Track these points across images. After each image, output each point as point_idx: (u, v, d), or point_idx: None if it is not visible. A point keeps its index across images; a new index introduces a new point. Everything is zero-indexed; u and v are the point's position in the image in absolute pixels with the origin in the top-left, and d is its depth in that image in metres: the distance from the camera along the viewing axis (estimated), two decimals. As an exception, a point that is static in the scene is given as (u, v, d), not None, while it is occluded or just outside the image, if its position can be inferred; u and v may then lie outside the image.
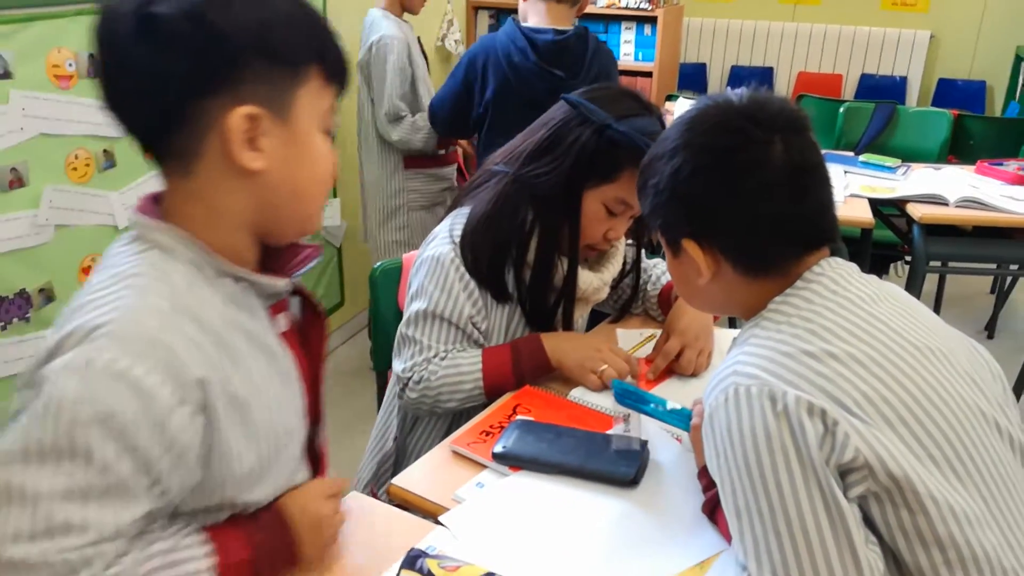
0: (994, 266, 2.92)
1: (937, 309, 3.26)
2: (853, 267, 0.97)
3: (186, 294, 0.81)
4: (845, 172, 2.65)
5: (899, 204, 2.44)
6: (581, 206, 1.32)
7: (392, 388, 1.46)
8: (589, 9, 3.81)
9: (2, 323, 1.88)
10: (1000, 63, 5.31)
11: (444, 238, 1.35)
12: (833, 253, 0.97)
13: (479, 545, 0.99)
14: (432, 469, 1.17)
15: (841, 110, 3.60)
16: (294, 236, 0.91)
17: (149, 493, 0.78)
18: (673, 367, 1.40)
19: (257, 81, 0.79)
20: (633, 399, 1.20)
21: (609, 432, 1.20)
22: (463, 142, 2.86)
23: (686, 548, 1.01)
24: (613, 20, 3.81)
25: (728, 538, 0.98)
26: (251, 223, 0.86)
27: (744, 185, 0.91)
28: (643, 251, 1.55)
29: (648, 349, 1.47)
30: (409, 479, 1.14)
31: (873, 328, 0.90)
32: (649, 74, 3.83)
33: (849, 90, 5.51)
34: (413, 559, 0.91)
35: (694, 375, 1.40)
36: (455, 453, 1.18)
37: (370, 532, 1.02)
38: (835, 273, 0.94)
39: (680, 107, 3.21)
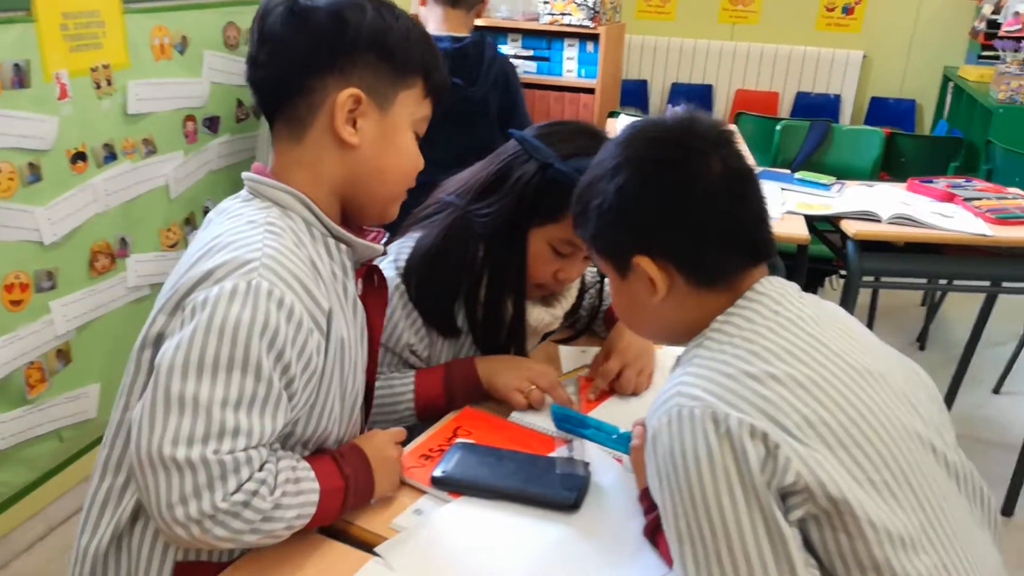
0: (925, 280, 3.00)
1: (871, 321, 3.34)
2: (793, 286, 0.98)
3: (307, 244, 0.97)
4: (782, 189, 2.70)
5: (833, 221, 2.49)
6: (527, 245, 1.30)
7: None
8: (532, 26, 3.83)
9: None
10: (929, 82, 5.51)
11: (388, 264, 1.33)
12: (771, 268, 0.98)
13: (417, 576, 0.96)
14: (369, 496, 1.13)
15: (777, 128, 3.67)
16: (374, 217, 1.07)
17: (289, 406, 0.91)
18: (613, 386, 1.40)
19: (367, 71, 0.98)
20: (572, 423, 1.19)
21: (551, 455, 1.19)
22: None
23: (628, 573, 0.99)
24: (556, 37, 3.83)
25: (669, 561, 0.97)
26: (342, 192, 1.02)
27: (690, 193, 0.92)
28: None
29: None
30: (345, 507, 1.10)
31: (814, 350, 0.90)
32: (592, 91, 3.86)
33: (785, 107, 5.65)
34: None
35: (634, 395, 1.39)
36: (393, 479, 1.15)
37: (302, 563, 0.98)
38: (776, 292, 0.95)
39: (622, 123, 3.24)
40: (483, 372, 1.32)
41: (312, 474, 0.96)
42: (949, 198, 2.59)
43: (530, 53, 3.88)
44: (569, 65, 3.85)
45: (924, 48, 5.46)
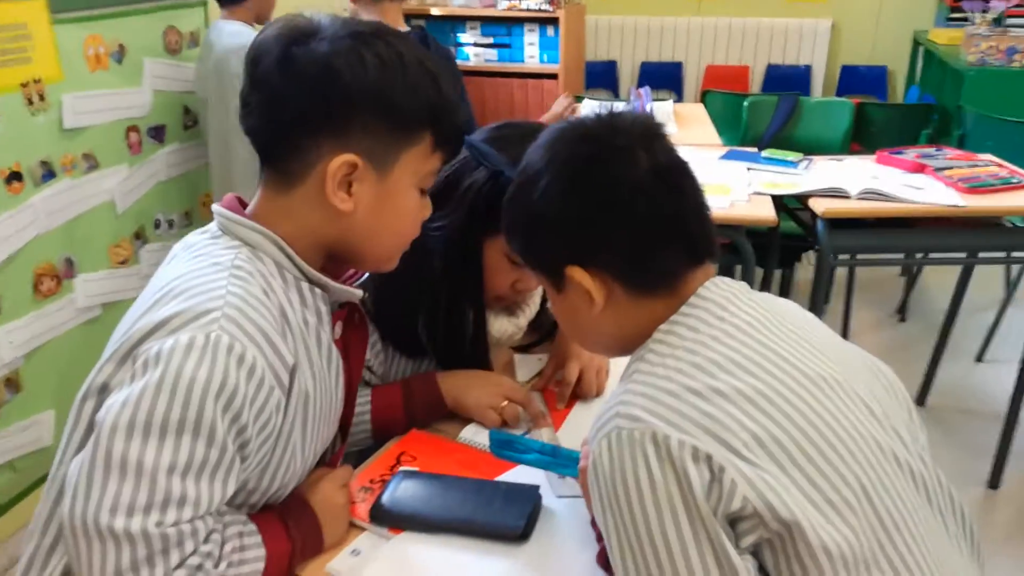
0: (900, 256, 2.95)
1: (849, 295, 3.28)
2: (742, 287, 0.91)
3: (278, 290, 0.89)
4: (748, 169, 2.62)
5: (802, 199, 2.43)
6: (482, 257, 1.22)
7: None
8: (490, 13, 3.74)
9: None
10: (899, 48, 5.43)
11: None
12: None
13: (351, 626, 0.90)
14: (307, 535, 1.06)
15: (745, 104, 3.60)
16: (368, 269, 1.04)
17: (241, 468, 0.84)
18: (576, 391, 1.33)
19: (366, 133, 0.88)
20: (512, 449, 1.11)
21: (499, 479, 1.12)
22: None
23: (580, 607, 0.93)
24: (515, 23, 3.74)
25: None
26: (329, 247, 0.95)
27: (617, 191, 0.86)
28: None
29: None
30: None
31: (763, 359, 0.83)
32: (555, 76, 3.77)
33: (756, 81, 5.57)
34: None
35: (598, 395, 1.34)
36: (332, 515, 1.08)
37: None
38: (722, 296, 0.88)
39: (587, 108, 3.16)
40: (447, 389, 1.25)
41: (259, 538, 0.89)
42: (919, 169, 2.52)
43: (490, 41, 3.80)
44: (530, 51, 3.77)
45: (892, 13, 5.38)
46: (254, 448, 0.85)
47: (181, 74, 2.68)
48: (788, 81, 5.41)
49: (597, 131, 0.89)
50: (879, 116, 3.62)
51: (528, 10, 3.66)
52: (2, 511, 2.18)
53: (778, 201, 2.40)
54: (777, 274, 3.23)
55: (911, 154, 2.63)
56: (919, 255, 2.91)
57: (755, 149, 2.85)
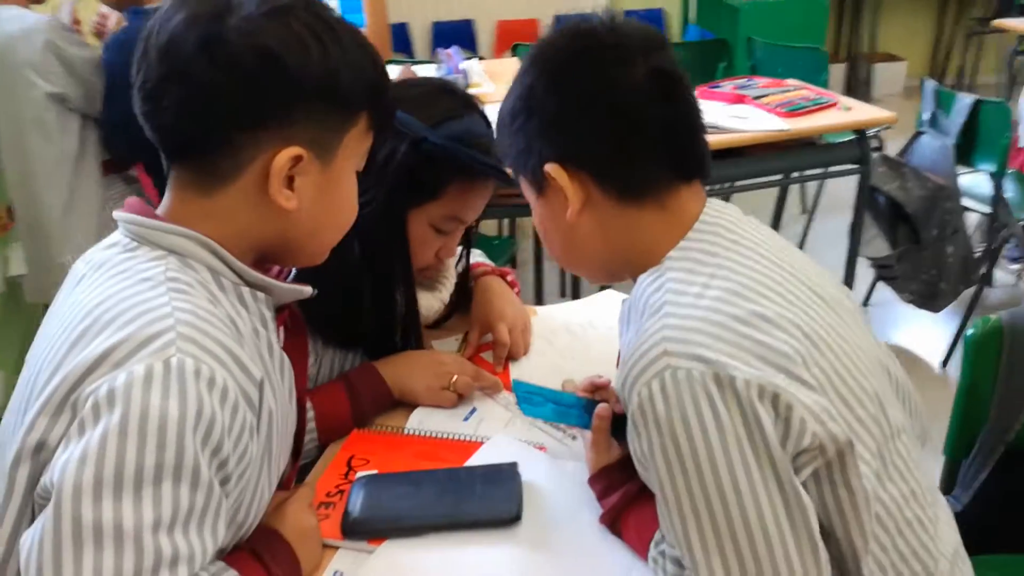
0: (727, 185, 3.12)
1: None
2: (736, 209, 0.89)
3: (222, 300, 0.77)
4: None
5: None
6: (407, 230, 1.12)
7: None
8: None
9: None
10: (672, -11, 5.72)
11: None
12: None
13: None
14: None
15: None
16: (302, 265, 0.91)
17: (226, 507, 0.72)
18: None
19: (309, 123, 0.78)
20: (536, 403, 1.03)
21: (470, 463, 1.05)
22: None
23: (598, 570, 0.89)
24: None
25: (638, 548, 0.89)
26: (261, 248, 0.83)
27: (605, 87, 0.82)
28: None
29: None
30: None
31: (786, 282, 0.82)
32: (360, 41, 3.61)
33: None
34: None
35: (524, 353, 1.29)
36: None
37: None
38: (727, 219, 0.86)
39: (392, 73, 3.03)
40: (391, 378, 1.15)
41: None
42: (739, 100, 2.66)
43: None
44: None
45: (663, -43, 5.64)
46: (233, 482, 0.74)
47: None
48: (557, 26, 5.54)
49: (594, 29, 0.85)
50: (680, 55, 3.78)
51: (323, -27, 3.46)
52: None
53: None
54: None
55: (728, 86, 2.78)
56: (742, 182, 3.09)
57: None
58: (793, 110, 2.53)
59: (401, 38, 5.45)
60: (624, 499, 0.90)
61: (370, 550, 0.93)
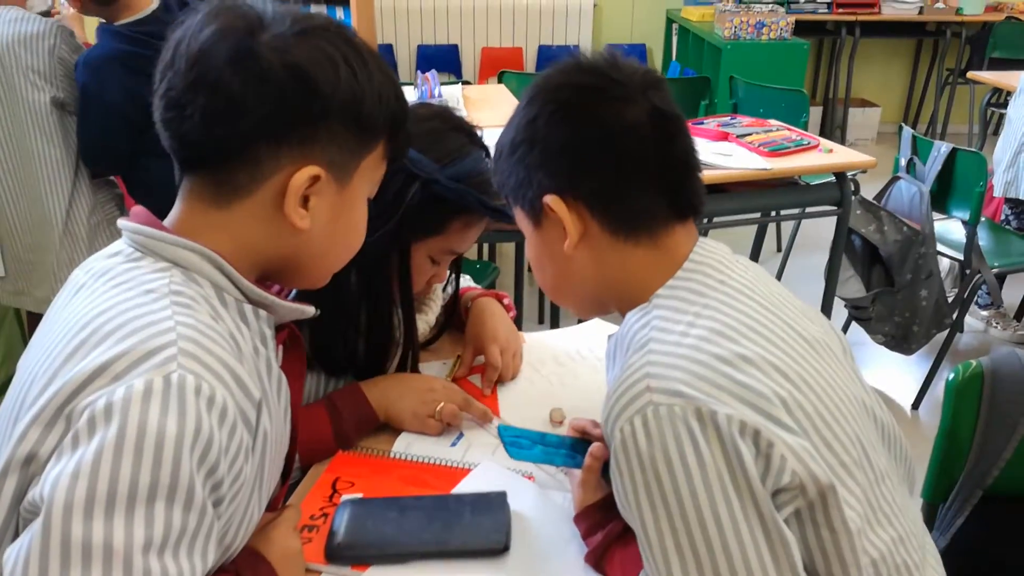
0: (708, 220, 3.15)
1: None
2: (726, 248, 0.90)
3: (224, 316, 0.76)
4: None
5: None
6: (411, 262, 1.13)
7: None
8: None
9: None
10: (655, 26, 5.82)
11: None
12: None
13: None
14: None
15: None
16: (305, 287, 0.89)
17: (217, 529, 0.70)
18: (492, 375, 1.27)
19: (331, 144, 0.77)
20: (520, 446, 1.02)
21: (457, 489, 1.03)
22: None
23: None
24: (304, 4, 3.52)
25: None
26: (266, 265, 0.82)
27: (608, 123, 0.83)
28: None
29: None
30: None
31: (771, 323, 0.83)
32: (347, 60, 3.61)
33: (530, 62, 5.71)
34: None
35: (513, 377, 1.29)
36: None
37: None
38: (716, 259, 0.87)
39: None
40: (377, 400, 1.13)
41: None
42: (723, 137, 2.70)
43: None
44: (318, 35, 3.57)
45: (646, -7, 5.74)
46: (226, 504, 0.71)
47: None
48: (559, 60, 5.60)
49: (598, 65, 0.86)
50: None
51: (314, -9, 3.47)
52: None
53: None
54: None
55: (712, 123, 2.81)
56: (719, 218, 3.12)
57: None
58: (775, 150, 2.57)
59: (386, 60, 5.47)
60: (608, 538, 0.90)
61: (354, 576, 0.91)
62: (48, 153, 2.09)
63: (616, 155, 0.84)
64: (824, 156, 2.60)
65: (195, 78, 0.73)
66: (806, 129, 3.06)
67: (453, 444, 1.13)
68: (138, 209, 0.79)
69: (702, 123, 2.82)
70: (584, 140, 0.84)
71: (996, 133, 4.94)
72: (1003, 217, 3.21)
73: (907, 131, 2.90)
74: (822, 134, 5.75)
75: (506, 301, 1.40)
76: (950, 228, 2.92)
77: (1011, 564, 1.32)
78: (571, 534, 0.96)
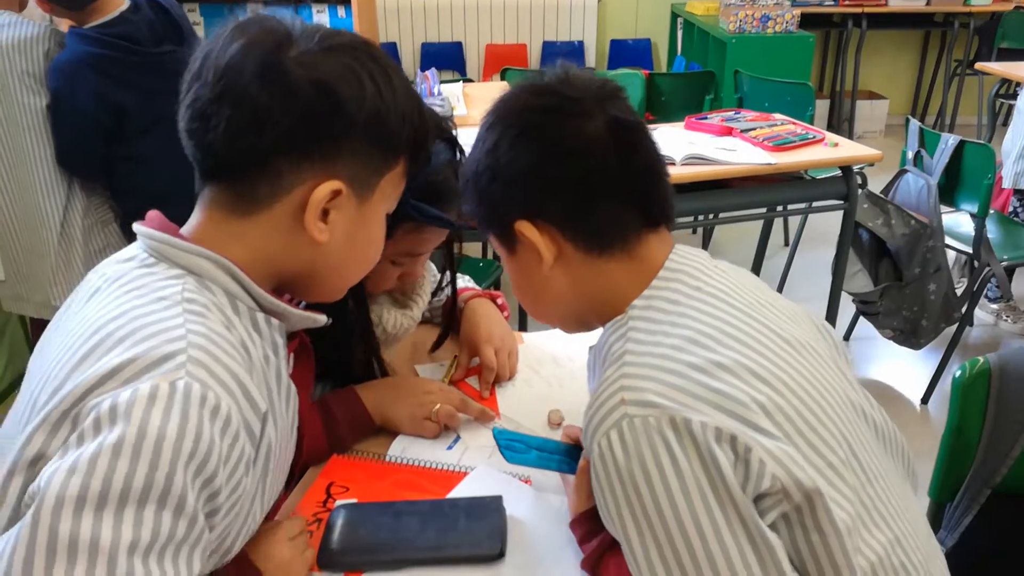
0: (692, 218, 3.13)
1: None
2: (704, 255, 0.89)
3: (237, 325, 0.76)
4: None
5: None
6: None
7: None
8: (271, -7, 3.48)
9: None
10: (659, 21, 5.78)
11: None
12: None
13: None
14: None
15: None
16: (317, 300, 0.89)
17: (207, 542, 0.70)
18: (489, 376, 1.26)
19: (353, 160, 0.78)
20: (515, 449, 1.00)
21: (453, 494, 1.02)
22: None
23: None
24: (302, 3, 3.51)
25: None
26: (282, 277, 0.82)
27: (567, 142, 0.83)
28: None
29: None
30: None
31: (749, 328, 0.82)
32: (349, 59, 3.59)
33: (535, 58, 5.69)
34: None
35: (510, 378, 1.28)
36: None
37: None
38: (692, 266, 0.86)
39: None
40: (372, 404, 1.12)
41: None
42: (727, 132, 2.67)
43: (274, 24, 3.53)
44: (320, 34, 3.56)
45: (651, -13, 5.71)
46: (223, 514, 0.71)
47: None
48: (563, 56, 5.56)
49: (552, 85, 0.86)
50: (667, 85, 3.81)
51: (315, -11, 3.46)
52: None
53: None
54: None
55: (716, 119, 2.79)
56: (722, 214, 3.10)
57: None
58: (780, 144, 2.54)
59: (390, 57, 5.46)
60: (602, 546, 0.89)
61: (347, 584, 0.90)
62: (43, 156, 2.08)
63: (579, 172, 0.83)
64: (829, 150, 2.58)
65: (222, 90, 0.73)
66: (812, 122, 3.03)
67: (449, 448, 1.12)
68: (153, 214, 0.79)
69: (706, 118, 2.79)
70: (546, 161, 0.84)
71: (1005, 124, 4.90)
72: (1012, 209, 3.17)
73: (914, 124, 2.87)
74: (830, 127, 5.73)
75: (500, 301, 1.38)
76: (958, 221, 2.89)
77: (1020, 563, 1.30)
78: (567, 539, 0.95)
